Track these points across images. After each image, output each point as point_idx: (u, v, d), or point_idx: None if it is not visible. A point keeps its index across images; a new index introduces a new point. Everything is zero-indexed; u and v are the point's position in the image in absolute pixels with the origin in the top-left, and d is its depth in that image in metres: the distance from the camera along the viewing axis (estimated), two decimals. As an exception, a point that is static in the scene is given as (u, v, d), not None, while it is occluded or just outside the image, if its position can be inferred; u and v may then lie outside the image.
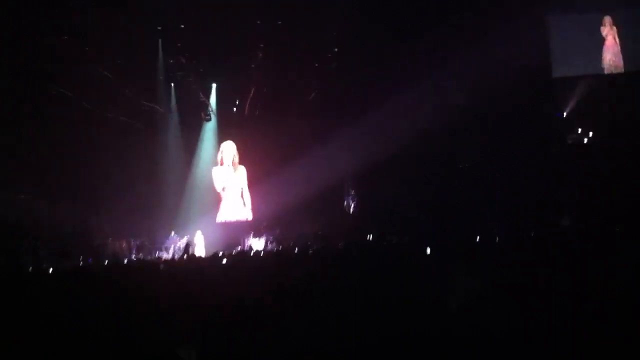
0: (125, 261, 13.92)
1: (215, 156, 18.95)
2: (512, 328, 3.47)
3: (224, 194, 18.68)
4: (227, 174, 18.67)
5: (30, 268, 11.88)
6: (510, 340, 3.36)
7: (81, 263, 14.70)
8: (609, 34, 16.13)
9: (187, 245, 16.53)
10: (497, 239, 8.19)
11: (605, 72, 16.30)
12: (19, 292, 5.68)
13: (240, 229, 18.15)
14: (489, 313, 3.71)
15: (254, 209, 18.59)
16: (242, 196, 18.73)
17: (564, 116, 16.76)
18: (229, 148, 18.81)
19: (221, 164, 18.76)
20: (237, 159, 18.72)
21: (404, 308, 3.96)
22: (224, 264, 8.40)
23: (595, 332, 3.32)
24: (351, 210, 18.86)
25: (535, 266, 4.53)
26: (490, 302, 3.90)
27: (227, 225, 18.47)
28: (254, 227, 17.96)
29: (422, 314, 3.78)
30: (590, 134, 16.49)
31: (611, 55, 16.13)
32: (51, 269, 11.37)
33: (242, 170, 18.72)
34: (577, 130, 16.63)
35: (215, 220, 18.58)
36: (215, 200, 18.82)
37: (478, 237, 8.52)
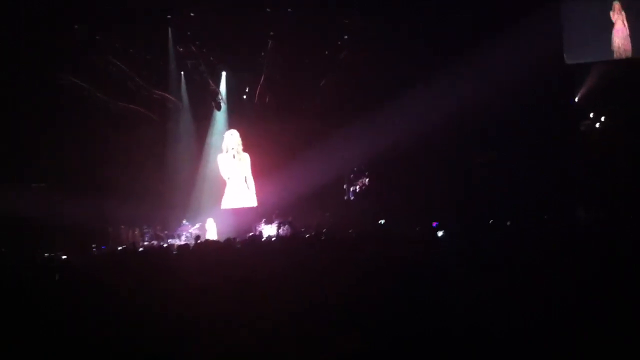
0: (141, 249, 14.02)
1: (225, 144, 19.10)
2: (527, 326, 3.48)
3: (228, 181, 18.80)
4: (231, 161, 18.77)
5: (45, 256, 12.02)
6: (524, 340, 3.38)
7: (94, 251, 14.89)
8: (618, 18, 16.12)
9: (198, 237, 16.67)
10: (511, 230, 8.18)
11: (615, 56, 16.26)
12: (32, 283, 5.75)
13: (252, 216, 18.28)
14: (502, 310, 3.72)
15: (260, 196, 18.67)
16: (245, 182, 18.84)
17: (576, 102, 16.69)
18: (232, 136, 18.90)
19: (226, 152, 18.86)
20: (240, 147, 18.80)
21: (411, 300, 3.99)
22: (237, 247, 8.48)
23: (612, 332, 3.33)
24: (351, 200, 19.00)
25: (551, 260, 4.50)
26: (504, 299, 3.90)
27: (238, 212, 18.58)
28: (265, 214, 18.07)
29: (429, 308, 3.81)
30: (602, 119, 16.43)
31: (620, 39, 16.12)
32: (64, 257, 11.56)
33: (245, 158, 18.82)
34: (589, 117, 16.58)
35: (220, 206, 18.71)
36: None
37: (491, 228, 8.53)
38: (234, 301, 3.88)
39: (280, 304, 3.94)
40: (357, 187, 19.10)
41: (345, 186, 19.20)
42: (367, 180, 18.98)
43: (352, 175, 19.17)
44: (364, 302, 4.02)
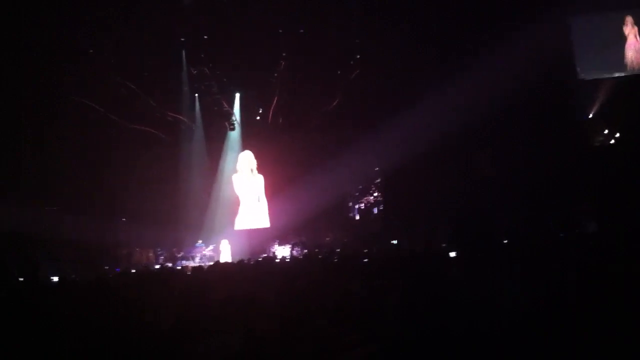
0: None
1: (239, 165, 19.20)
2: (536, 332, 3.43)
3: (242, 201, 18.85)
4: (245, 181, 18.84)
5: (56, 278, 12.04)
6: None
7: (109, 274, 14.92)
8: (631, 32, 16.14)
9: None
10: (522, 243, 8.08)
11: (628, 69, 16.21)
12: (39, 303, 5.74)
13: (265, 237, 18.27)
14: (504, 311, 3.66)
15: (273, 217, 18.68)
16: (259, 202, 18.88)
17: (590, 118, 16.57)
18: (246, 157, 19.03)
19: (241, 172, 18.93)
20: (255, 167, 18.87)
21: (429, 310, 3.94)
22: (250, 267, 8.45)
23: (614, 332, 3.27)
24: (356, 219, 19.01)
25: (560, 273, 4.44)
26: (506, 300, 3.84)
27: (252, 233, 18.58)
28: (279, 235, 18.08)
29: (446, 318, 3.75)
30: (617, 135, 16.29)
31: (632, 52, 16.13)
32: (75, 277, 11.55)
33: (259, 179, 18.89)
34: (604, 132, 16.46)
35: (234, 227, 18.75)
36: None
37: (502, 241, 8.43)
38: (240, 318, 3.87)
39: (287, 320, 3.91)
40: (362, 205, 19.12)
41: (350, 204, 19.24)
42: (372, 198, 19.00)
43: (357, 194, 19.21)
44: (374, 316, 3.99)
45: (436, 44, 15.75)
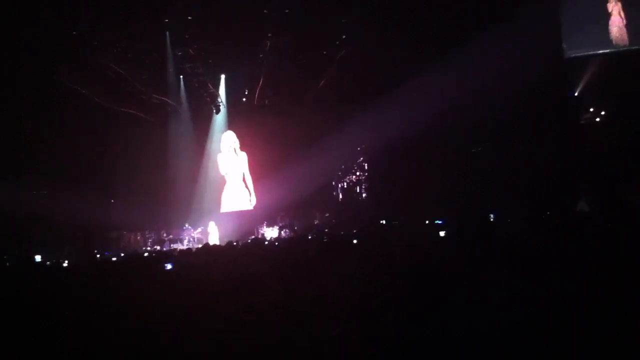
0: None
1: (225, 147, 19.20)
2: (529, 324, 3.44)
3: (227, 180, 18.92)
4: (228, 160, 18.87)
5: (47, 262, 12.00)
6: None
7: (97, 256, 14.88)
8: (614, 8, 16.19)
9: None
10: (512, 225, 8.10)
11: (613, 45, 16.27)
12: (30, 286, 5.72)
13: (254, 219, 18.29)
14: (503, 307, 3.67)
15: (260, 198, 18.69)
16: (244, 181, 18.86)
17: (576, 95, 16.64)
18: (229, 136, 19.15)
19: (225, 151, 19.06)
20: (237, 147, 18.93)
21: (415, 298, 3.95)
22: (238, 249, 8.44)
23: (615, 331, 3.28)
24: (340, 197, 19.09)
25: (560, 273, 4.44)
26: (505, 294, 3.85)
27: (240, 215, 18.59)
28: (266, 216, 18.11)
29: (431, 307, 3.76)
30: (603, 112, 16.38)
31: (617, 29, 16.18)
32: (67, 263, 11.54)
33: (242, 156, 19.00)
34: (589, 110, 16.54)
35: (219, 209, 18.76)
36: (226, 190, 19.09)
37: (493, 224, 8.45)
38: (233, 302, 3.86)
39: (281, 303, 3.90)
40: (345, 184, 19.19)
41: (333, 183, 19.32)
42: (353, 177, 19.09)
43: (339, 173, 19.27)
44: (366, 301, 3.99)
45: (426, 26, 15.69)
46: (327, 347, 3.37)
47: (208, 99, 18.88)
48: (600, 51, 16.30)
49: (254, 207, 18.76)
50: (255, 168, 18.80)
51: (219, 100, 18.99)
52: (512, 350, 3.29)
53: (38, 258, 13.04)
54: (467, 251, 4.58)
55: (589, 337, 3.28)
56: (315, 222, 18.08)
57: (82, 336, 3.88)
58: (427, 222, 11.13)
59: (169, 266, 7.19)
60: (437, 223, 10.48)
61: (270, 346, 3.41)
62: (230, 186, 18.90)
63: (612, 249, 4.36)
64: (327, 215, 18.44)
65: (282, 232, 17.45)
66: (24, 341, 3.75)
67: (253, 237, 15.58)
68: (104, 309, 4.46)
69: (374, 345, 3.36)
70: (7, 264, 10.24)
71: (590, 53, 16.37)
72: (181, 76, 18.51)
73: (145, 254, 12.54)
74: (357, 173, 19.18)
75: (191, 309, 3.95)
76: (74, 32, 15.87)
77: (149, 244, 17.46)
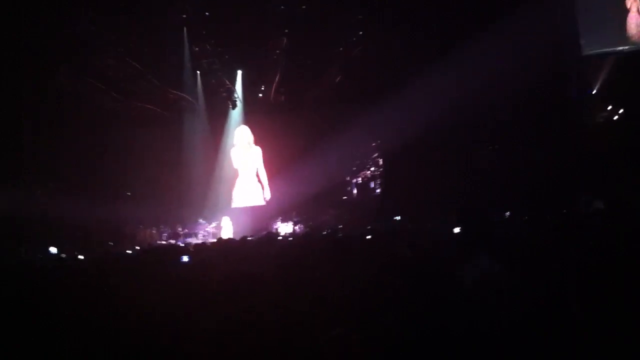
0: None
1: (240, 142, 19.25)
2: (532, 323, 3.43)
3: (240, 174, 18.97)
4: (243, 154, 18.89)
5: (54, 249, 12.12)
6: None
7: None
8: (633, 5, 15.92)
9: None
10: (512, 225, 8.06)
11: (630, 43, 16.02)
12: (30, 286, 5.76)
13: (268, 214, 18.35)
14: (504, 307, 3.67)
15: (275, 193, 18.74)
16: (257, 175, 18.94)
17: (594, 93, 16.45)
18: (243, 130, 19.11)
19: (238, 146, 19.13)
20: (252, 141, 18.95)
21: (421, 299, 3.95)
22: (252, 245, 8.48)
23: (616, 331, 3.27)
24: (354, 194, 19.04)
25: (560, 273, 4.42)
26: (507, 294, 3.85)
27: (254, 210, 18.65)
28: (281, 212, 18.16)
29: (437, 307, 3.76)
30: (621, 110, 16.18)
31: (635, 26, 15.90)
32: (81, 257, 11.67)
33: (257, 150, 18.97)
34: (607, 108, 16.34)
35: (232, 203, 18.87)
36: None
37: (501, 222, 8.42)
38: (233, 302, 3.89)
39: (281, 303, 3.93)
40: (360, 180, 19.17)
41: (347, 178, 19.31)
42: (368, 173, 19.06)
43: (354, 169, 19.25)
44: (366, 301, 4.01)
45: (439, 23, 15.61)
46: (327, 347, 3.40)
47: (224, 94, 18.94)
48: (619, 48, 16.08)
49: (268, 202, 18.78)
50: (270, 163, 18.84)
51: (235, 95, 19.06)
52: (512, 350, 3.30)
53: (54, 250, 13.20)
54: (467, 251, 4.58)
55: (589, 337, 3.28)
56: (329, 217, 18.10)
57: (81, 336, 3.93)
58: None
59: (185, 258, 7.26)
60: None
61: (270, 346, 3.44)
62: (242, 181, 18.93)
63: (612, 249, 4.33)
64: (342, 211, 18.44)
65: (297, 228, 17.50)
66: (24, 341, 3.80)
67: (267, 232, 15.63)
68: (104, 308, 4.51)
69: (374, 345, 3.38)
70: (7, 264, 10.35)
71: (608, 50, 16.15)
72: (198, 72, 18.58)
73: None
74: (372, 169, 19.15)
75: (191, 309, 3.98)
76: (92, 27, 15.99)
77: (163, 238, 17.60)
